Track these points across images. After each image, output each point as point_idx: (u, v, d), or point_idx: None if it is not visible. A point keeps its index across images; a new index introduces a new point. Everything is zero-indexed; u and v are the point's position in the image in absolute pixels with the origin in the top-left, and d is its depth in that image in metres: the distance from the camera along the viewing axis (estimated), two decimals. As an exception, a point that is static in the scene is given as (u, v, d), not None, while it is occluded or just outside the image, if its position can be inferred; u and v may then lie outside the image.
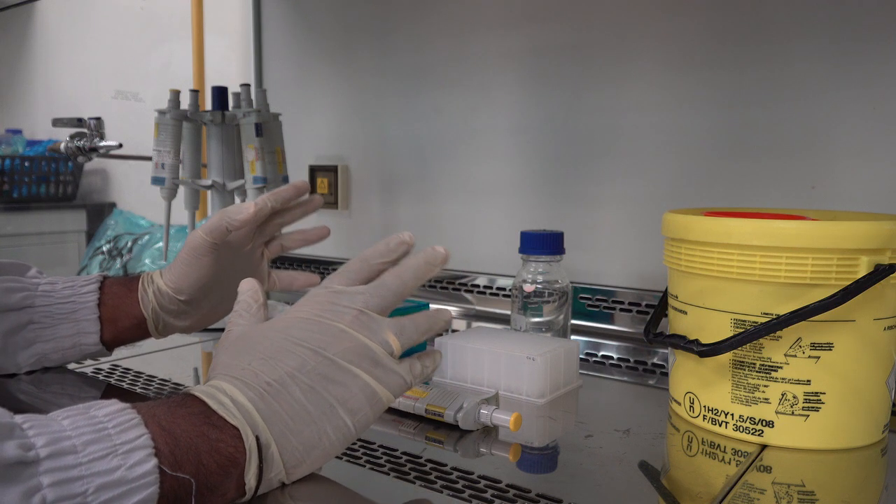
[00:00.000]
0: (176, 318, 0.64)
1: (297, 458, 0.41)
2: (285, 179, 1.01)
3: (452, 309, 1.01)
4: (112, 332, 0.63)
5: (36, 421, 0.33)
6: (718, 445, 0.52)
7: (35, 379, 0.63)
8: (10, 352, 0.61)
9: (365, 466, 0.48)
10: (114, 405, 0.36)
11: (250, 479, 0.39)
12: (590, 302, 0.89)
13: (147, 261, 1.52)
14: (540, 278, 0.73)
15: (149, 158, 0.98)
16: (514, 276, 0.75)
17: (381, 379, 0.43)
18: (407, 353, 0.45)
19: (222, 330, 0.81)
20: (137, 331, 0.64)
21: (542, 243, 0.73)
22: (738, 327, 0.51)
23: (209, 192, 1.02)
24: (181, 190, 0.98)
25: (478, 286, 0.99)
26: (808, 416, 0.50)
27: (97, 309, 0.63)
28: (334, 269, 1.17)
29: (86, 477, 0.32)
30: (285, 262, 1.21)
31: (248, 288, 0.49)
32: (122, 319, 0.63)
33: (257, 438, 0.39)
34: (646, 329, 0.62)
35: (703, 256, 0.53)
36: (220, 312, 0.66)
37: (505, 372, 0.62)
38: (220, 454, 0.38)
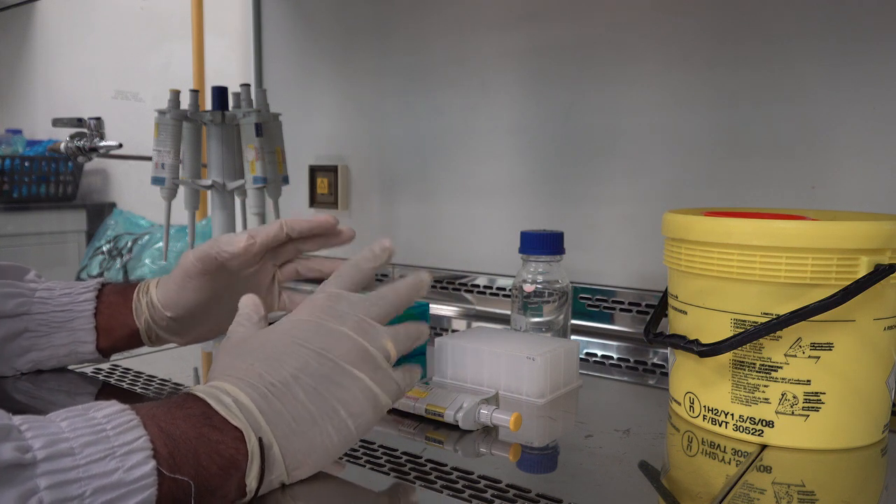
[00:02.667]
0: (166, 332, 0.63)
1: (299, 460, 0.40)
2: (285, 179, 1.01)
3: (452, 309, 1.01)
4: (108, 341, 0.63)
5: (34, 422, 0.33)
6: (718, 445, 0.52)
7: (33, 378, 0.63)
8: (5, 358, 0.61)
9: (365, 466, 0.48)
10: (113, 406, 0.36)
11: (251, 480, 0.39)
12: (590, 302, 0.89)
13: (147, 261, 1.52)
14: (540, 278, 0.73)
15: (149, 158, 0.98)
16: (514, 276, 0.75)
17: (380, 383, 0.43)
18: (407, 358, 0.46)
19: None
20: (132, 340, 0.63)
21: (542, 243, 0.73)
22: (738, 327, 0.51)
23: (209, 192, 1.02)
24: (181, 190, 0.98)
25: (478, 286, 0.99)
26: (808, 416, 0.50)
27: (93, 318, 0.62)
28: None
29: (83, 479, 0.32)
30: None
31: (249, 302, 0.50)
32: (118, 329, 0.63)
33: (260, 440, 0.39)
34: (646, 329, 0.62)
35: (703, 256, 0.53)
36: (217, 330, 0.65)
37: (505, 372, 0.62)
38: (221, 456, 0.37)
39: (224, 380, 0.41)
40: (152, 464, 0.34)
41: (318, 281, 0.64)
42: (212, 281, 0.60)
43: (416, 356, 0.67)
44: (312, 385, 0.41)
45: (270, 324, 0.47)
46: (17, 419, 0.33)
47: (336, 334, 0.43)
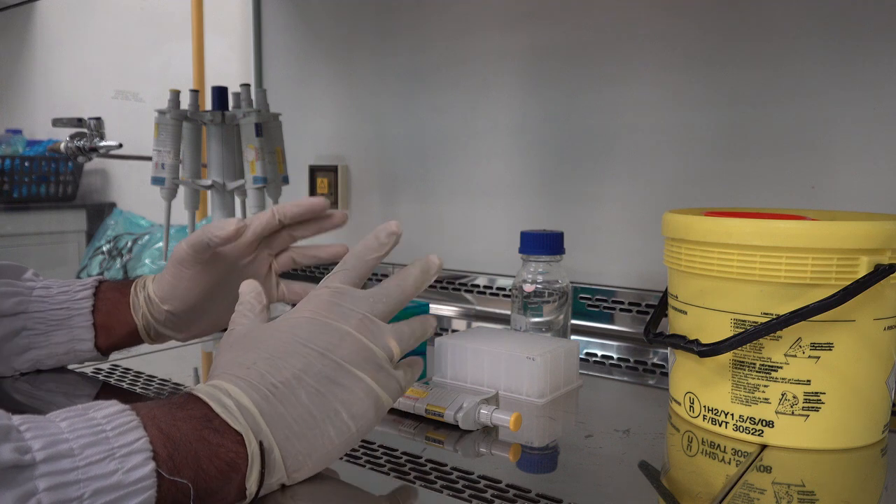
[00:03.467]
0: (165, 327, 0.62)
1: (300, 462, 0.40)
2: (285, 179, 1.01)
3: (452, 309, 1.01)
4: (107, 339, 0.63)
5: (34, 423, 0.33)
6: (718, 445, 0.52)
7: (32, 379, 0.63)
8: (3, 357, 0.60)
9: (365, 466, 0.48)
10: (113, 406, 0.36)
11: (251, 484, 0.38)
12: (590, 302, 0.89)
13: (147, 261, 1.52)
14: (540, 278, 0.73)
15: (149, 158, 0.98)
16: (514, 276, 0.75)
17: (382, 383, 0.43)
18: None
19: (223, 331, 0.81)
20: (131, 337, 0.63)
21: (542, 243, 0.73)
22: (738, 327, 0.51)
23: (209, 192, 1.02)
24: (181, 190, 0.98)
25: (478, 286, 0.99)
26: (808, 416, 0.50)
27: (91, 315, 0.62)
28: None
29: (82, 481, 0.32)
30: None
31: (250, 289, 0.49)
32: (117, 326, 0.62)
33: (260, 444, 0.39)
34: (646, 329, 0.62)
35: (703, 256, 0.53)
36: (217, 325, 0.65)
37: (505, 372, 0.62)
38: (221, 459, 0.37)
39: (226, 379, 0.41)
40: (151, 465, 0.34)
41: (314, 267, 0.64)
42: (207, 271, 0.60)
43: (416, 353, 0.67)
44: (315, 386, 0.41)
45: (273, 318, 0.47)
46: (16, 419, 0.33)
47: (339, 333, 0.43)
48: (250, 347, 0.43)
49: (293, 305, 0.47)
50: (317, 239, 0.66)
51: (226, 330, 0.66)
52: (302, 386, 0.41)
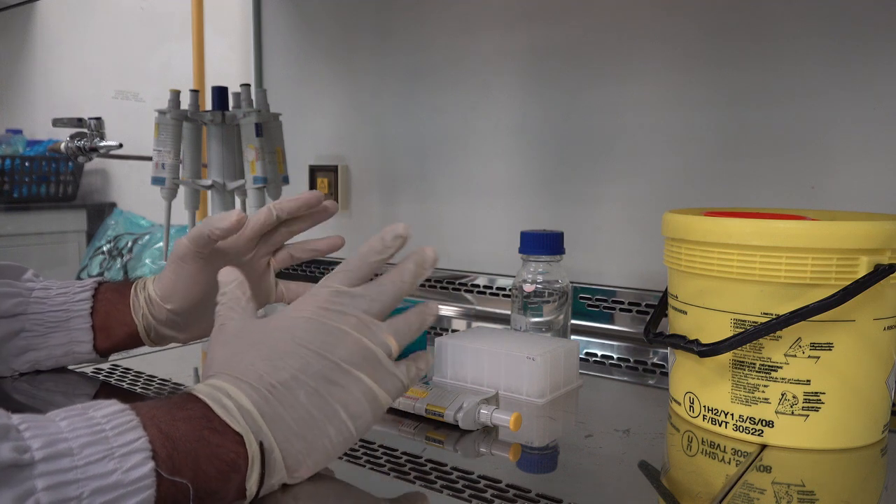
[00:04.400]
0: (166, 327, 0.62)
1: (299, 462, 0.40)
2: (285, 179, 1.01)
3: (452, 309, 1.01)
4: (106, 341, 0.62)
5: (33, 422, 0.33)
6: (718, 445, 0.52)
7: (31, 378, 0.63)
8: (2, 358, 0.60)
9: (365, 466, 0.48)
10: (112, 406, 0.36)
11: (252, 484, 0.38)
12: (590, 302, 0.89)
13: (147, 261, 1.52)
14: (540, 278, 0.73)
15: (149, 158, 0.98)
16: (514, 276, 0.75)
17: (381, 382, 0.42)
18: (406, 351, 0.46)
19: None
20: (131, 339, 0.63)
21: (542, 243, 0.73)
22: (737, 327, 0.51)
23: (209, 192, 1.02)
24: (181, 190, 0.98)
25: (478, 286, 0.99)
26: (807, 416, 0.50)
27: (90, 318, 0.61)
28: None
29: (81, 480, 0.32)
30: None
31: (231, 278, 0.48)
32: (116, 328, 0.62)
33: (261, 444, 0.39)
34: (646, 329, 0.62)
35: (703, 256, 0.53)
36: None
37: (505, 372, 0.62)
38: (220, 460, 0.37)
39: (224, 378, 0.41)
40: (151, 465, 0.34)
41: (314, 266, 0.63)
42: (207, 268, 0.59)
43: (418, 349, 0.67)
44: (313, 386, 0.41)
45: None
46: (16, 418, 0.33)
47: (337, 333, 0.42)
48: (247, 347, 0.42)
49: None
50: (312, 233, 0.65)
51: None
52: (301, 386, 0.40)
